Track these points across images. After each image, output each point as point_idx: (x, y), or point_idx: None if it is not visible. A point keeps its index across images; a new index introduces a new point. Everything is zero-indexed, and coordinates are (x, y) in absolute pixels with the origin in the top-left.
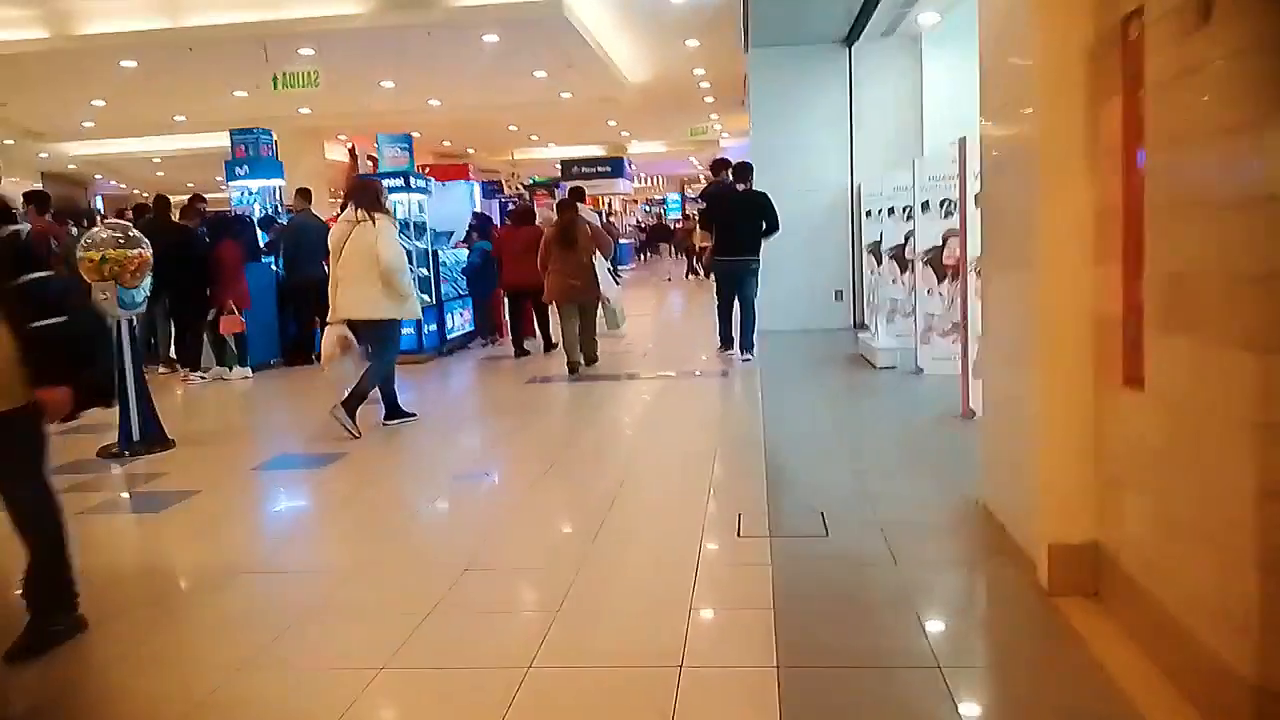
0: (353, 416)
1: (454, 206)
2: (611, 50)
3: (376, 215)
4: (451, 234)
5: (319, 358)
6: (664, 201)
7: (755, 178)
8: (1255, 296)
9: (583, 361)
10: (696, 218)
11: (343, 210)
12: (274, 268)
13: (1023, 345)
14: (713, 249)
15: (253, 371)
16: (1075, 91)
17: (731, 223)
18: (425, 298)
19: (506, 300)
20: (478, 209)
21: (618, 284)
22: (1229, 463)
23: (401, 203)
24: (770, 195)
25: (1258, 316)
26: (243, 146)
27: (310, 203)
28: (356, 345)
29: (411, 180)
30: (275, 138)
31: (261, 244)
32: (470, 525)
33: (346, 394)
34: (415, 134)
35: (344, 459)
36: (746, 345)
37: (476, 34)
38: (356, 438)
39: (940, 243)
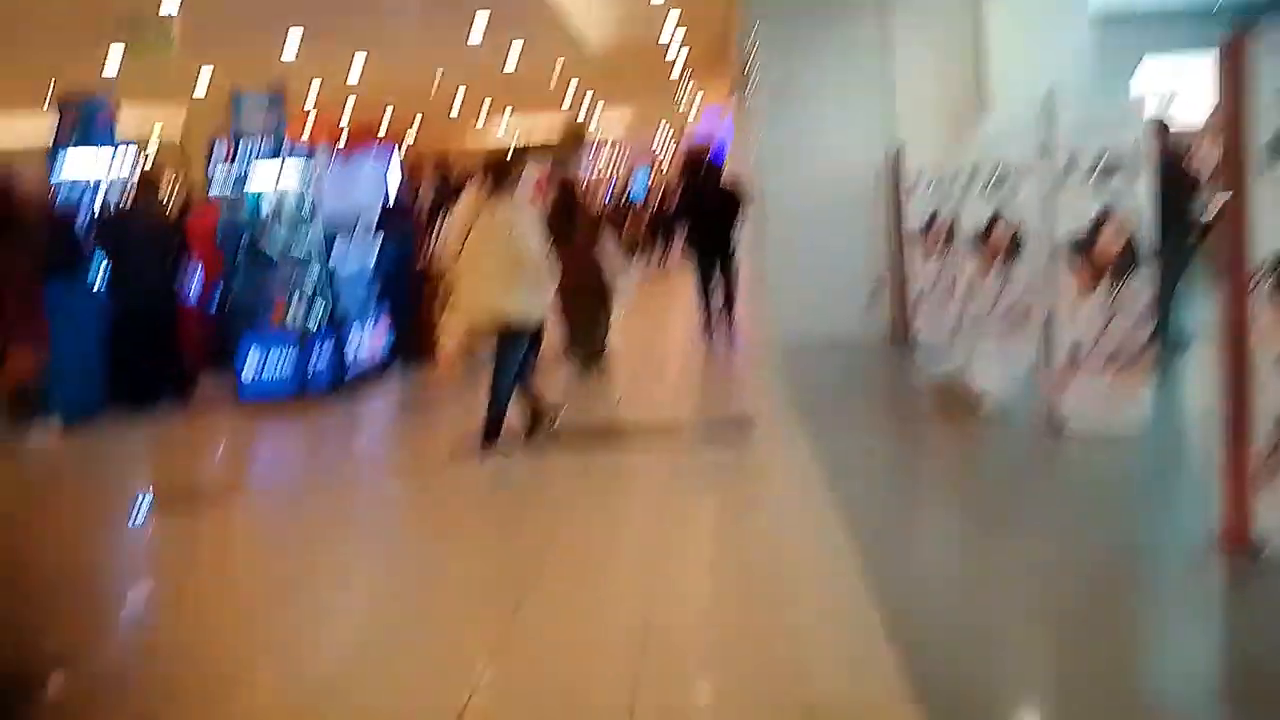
0: (494, 437)
1: (364, 188)
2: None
3: (509, 197)
4: (356, 223)
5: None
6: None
7: (764, 162)
8: None
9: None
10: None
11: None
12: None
13: None
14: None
15: (64, 427)
16: None
17: (708, 225)
18: (313, 313)
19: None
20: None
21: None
22: None
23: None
24: (780, 180)
25: None
26: (71, 120)
27: (156, 194)
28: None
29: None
30: (114, 104)
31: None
32: None
33: (482, 429)
34: (345, 112)
35: None
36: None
37: None
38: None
39: (1092, 225)
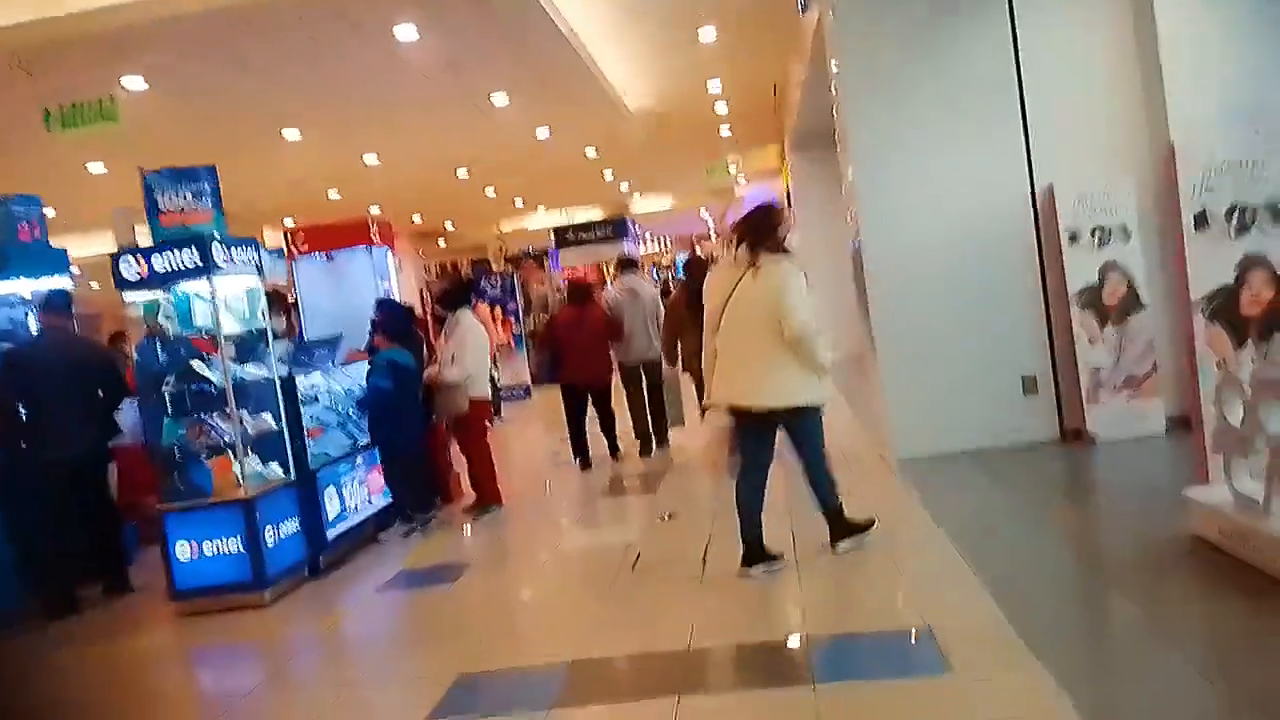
0: (848, 533)
1: (348, 291)
2: (604, 65)
3: (775, 258)
4: (335, 342)
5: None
6: (674, 265)
7: (856, 205)
8: None
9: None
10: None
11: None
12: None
13: None
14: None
15: None
16: None
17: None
18: (272, 465)
19: (563, 399)
20: (389, 294)
21: None
22: None
23: (197, 296)
24: (877, 232)
25: None
26: None
27: (68, 316)
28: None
29: (220, 254)
30: (47, 209)
31: None
32: None
33: (830, 525)
34: (373, 208)
35: None
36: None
37: (392, 26)
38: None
39: None
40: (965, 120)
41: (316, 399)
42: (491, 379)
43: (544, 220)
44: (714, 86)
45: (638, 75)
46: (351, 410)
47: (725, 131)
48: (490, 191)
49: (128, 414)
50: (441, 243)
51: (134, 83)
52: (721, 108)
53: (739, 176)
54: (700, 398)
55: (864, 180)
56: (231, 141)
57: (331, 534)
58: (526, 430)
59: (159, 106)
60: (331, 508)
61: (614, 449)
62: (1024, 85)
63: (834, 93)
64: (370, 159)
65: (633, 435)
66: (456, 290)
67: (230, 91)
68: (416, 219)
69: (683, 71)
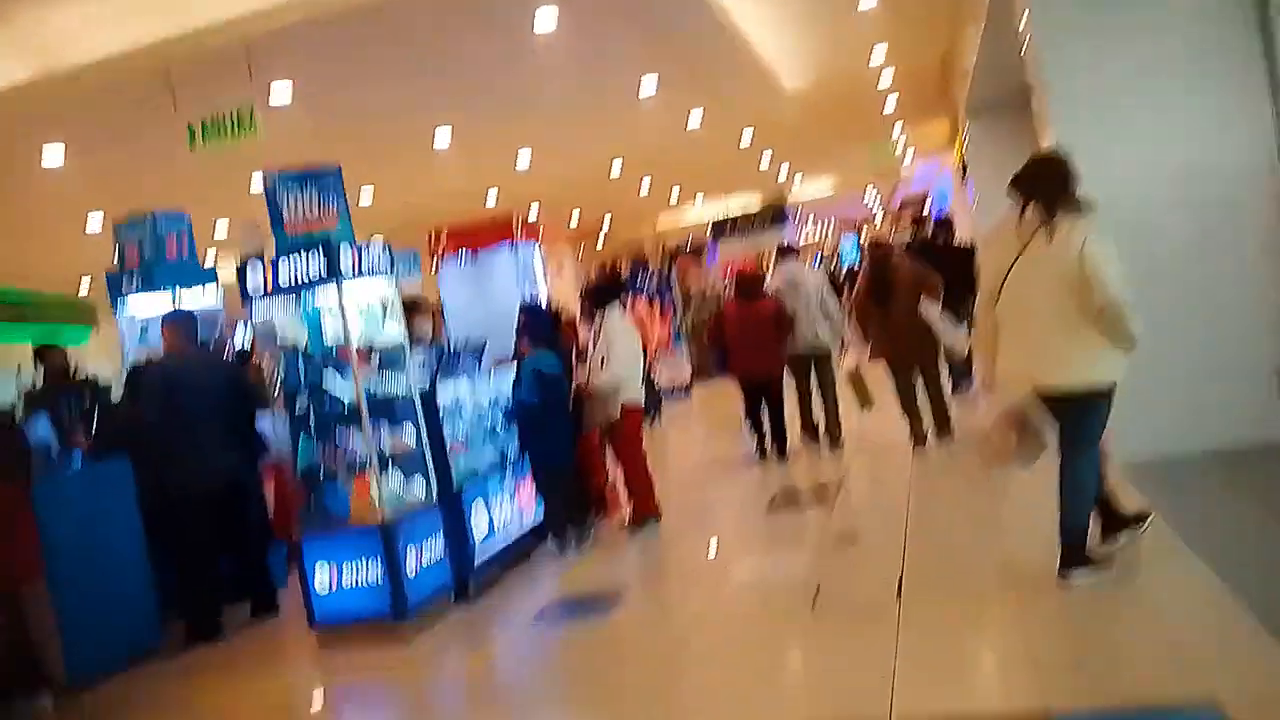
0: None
1: (494, 294)
2: (756, 41)
3: (1073, 219)
4: (480, 348)
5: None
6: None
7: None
8: None
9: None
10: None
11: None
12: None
13: None
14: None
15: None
16: None
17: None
18: (414, 484)
19: (743, 392)
20: (535, 298)
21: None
22: None
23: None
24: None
25: None
26: (135, 245)
27: (191, 338)
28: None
29: (349, 258)
30: (189, 225)
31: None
32: None
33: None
34: (534, 205)
35: None
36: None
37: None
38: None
39: None
40: (1193, 64)
41: (460, 411)
42: (650, 379)
43: (702, 213)
44: (876, 58)
45: (793, 51)
46: (500, 421)
47: (889, 107)
48: (646, 186)
49: (272, 429)
50: (600, 245)
51: (277, 94)
52: (885, 80)
53: (905, 154)
54: (901, 393)
55: (1069, 142)
56: (379, 152)
57: (480, 557)
58: (687, 432)
59: (302, 119)
60: (479, 528)
61: (782, 449)
62: (1268, 18)
63: (1026, 46)
64: (523, 160)
65: (799, 431)
66: (605, 286)
67: (372, 97)
68: (574, 222)
69: (841, 43)
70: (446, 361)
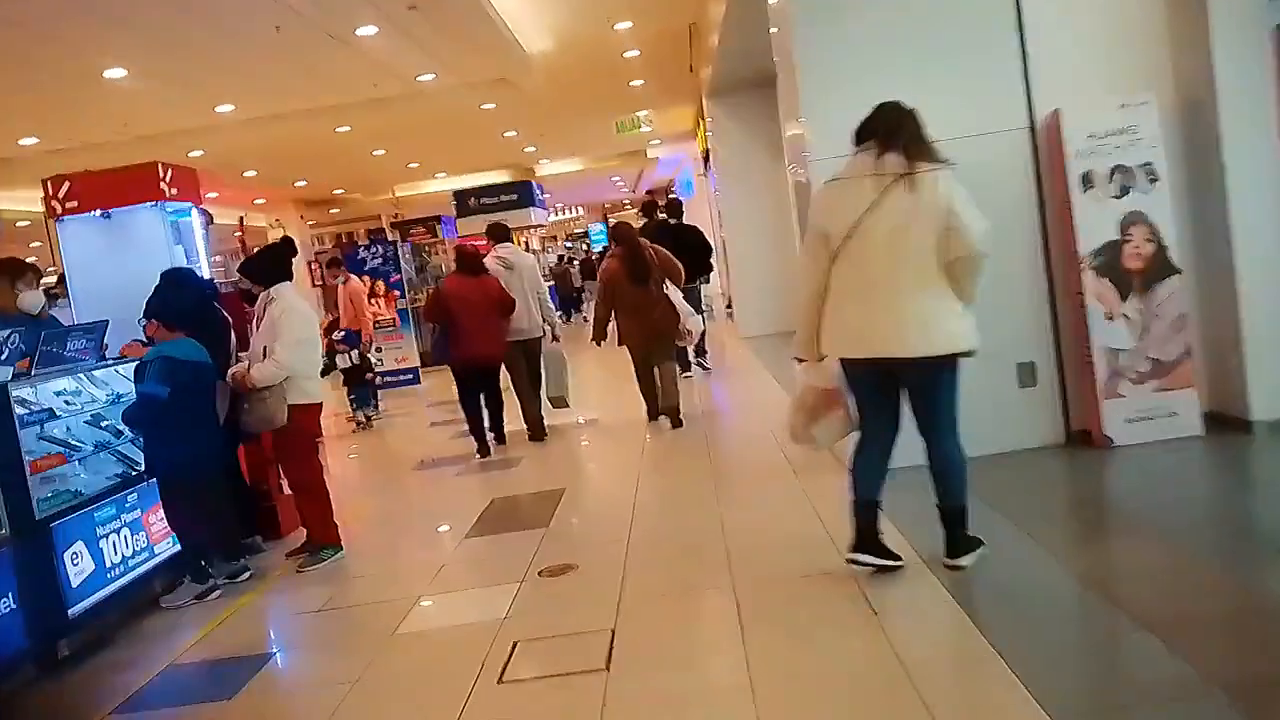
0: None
1: (134, 263)
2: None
3: (934, 167)
4: (97, 329)
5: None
6: (586, 234)
7: (806, 154)
8: None
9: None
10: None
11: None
12: None
13: None
14: None
15: None
16: None
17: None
18: None
19: (456, 381)
20: (189, 264)
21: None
22: None
23: None
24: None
25: None
26: None
27: None
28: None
29: None
30: None
31: None
32: None
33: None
34: (251, 172)
35: None
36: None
37: None
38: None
39: None
40: (943, 38)
41: (57, 412)
42: (367, 363)
43: (445, 186)
44: (623, 28)
45: (534, 11)
46: (121, 426)
47: (636, 83)
48: (380, 152)
49: None
50: (334, 211)
51: None
52: (632, 53)
53: (652, 139)
54: (640, 376)
55: (816, 123)
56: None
57: (78, 608)
58: (408, 431)
59: None
60: (78, 570)
61: (500, 437)
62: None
63: (774, 22)
64: (224, 109)
65: (522, 421)
66: (268, 258)
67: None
68: (300, 183)
69: (586, 9)
70: (46, 345)
